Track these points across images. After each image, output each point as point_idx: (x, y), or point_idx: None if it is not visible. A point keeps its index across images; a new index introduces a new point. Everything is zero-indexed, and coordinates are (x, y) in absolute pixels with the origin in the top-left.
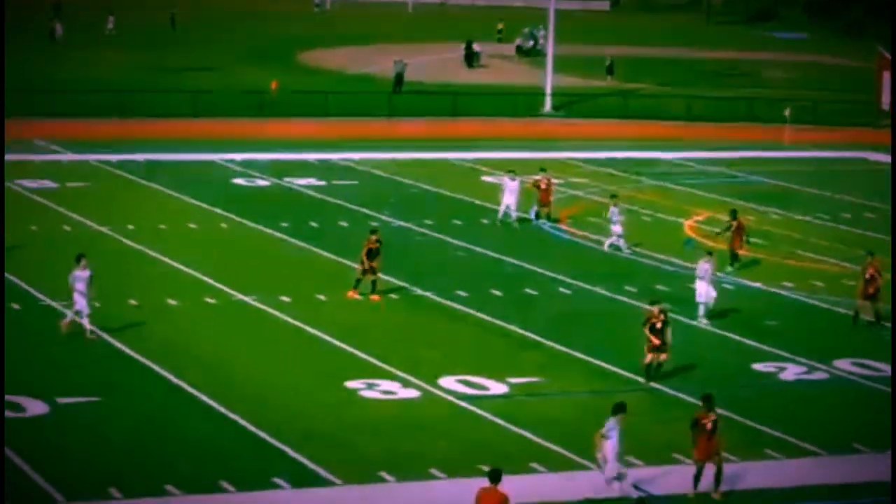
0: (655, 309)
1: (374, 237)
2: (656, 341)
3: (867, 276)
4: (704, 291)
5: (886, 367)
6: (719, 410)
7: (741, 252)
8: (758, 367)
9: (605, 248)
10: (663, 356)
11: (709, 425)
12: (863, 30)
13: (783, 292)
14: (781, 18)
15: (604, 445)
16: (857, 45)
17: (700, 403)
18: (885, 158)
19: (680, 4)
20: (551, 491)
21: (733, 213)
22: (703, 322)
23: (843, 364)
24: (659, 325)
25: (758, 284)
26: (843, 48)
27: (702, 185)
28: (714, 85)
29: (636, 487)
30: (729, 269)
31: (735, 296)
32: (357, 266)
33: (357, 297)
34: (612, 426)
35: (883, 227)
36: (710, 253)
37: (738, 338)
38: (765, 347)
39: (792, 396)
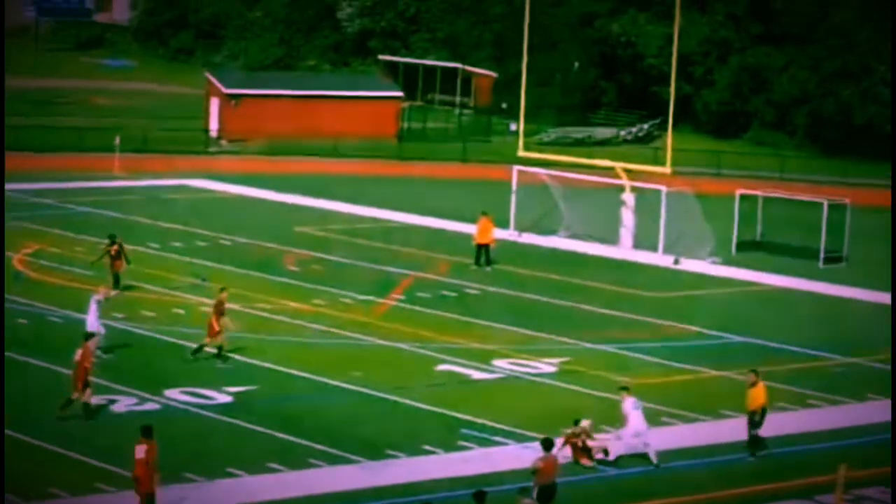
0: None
1: None
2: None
3: (222, 310)
4: (93, 323)
5: (216, 395)
6: (51, 447)
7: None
8: (93, 399)
9: None
10: (88, 392)
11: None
12: (191, 56)
13: (115, 323)
14: (111, 45)
15: None
16: (186, 70)
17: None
18: (214, 185)
19: (10, 30)
20: None
21: (112, 238)
22: (103, 356)
23: (174, 393)
24: (89, 365)
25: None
26: (172, 75)
27: (30, 218)
28: (44, 113)
29: None
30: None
31: (63, 329)
32: None
33: None
34: None
35: (215, 256)
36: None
37: (68, 371)
38: (97, 380)
39: (124, 429)
